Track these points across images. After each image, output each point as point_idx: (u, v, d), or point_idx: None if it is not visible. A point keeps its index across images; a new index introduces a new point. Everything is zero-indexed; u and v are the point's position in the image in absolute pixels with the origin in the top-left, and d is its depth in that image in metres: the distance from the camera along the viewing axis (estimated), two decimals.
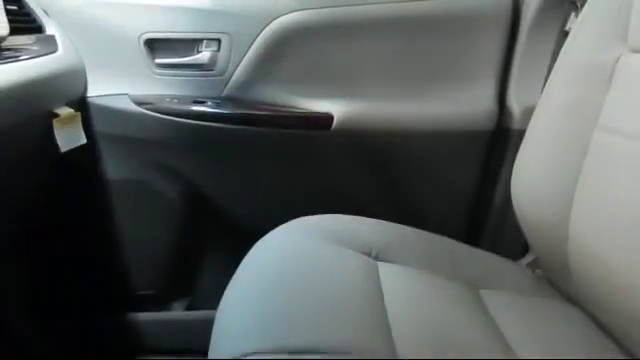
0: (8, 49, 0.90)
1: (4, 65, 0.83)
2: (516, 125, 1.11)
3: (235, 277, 0.84)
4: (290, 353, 0.61)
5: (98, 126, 1.11)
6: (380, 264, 0.90)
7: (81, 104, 1.08)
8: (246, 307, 0.73)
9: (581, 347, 0.78)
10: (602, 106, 0.83)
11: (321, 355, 0.60)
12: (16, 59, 0.88)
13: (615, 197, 0.75)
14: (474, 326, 0.79)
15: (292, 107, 1.14)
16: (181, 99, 1.13)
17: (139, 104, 1.11)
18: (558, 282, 0.94)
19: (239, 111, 1.13)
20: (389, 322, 0.72)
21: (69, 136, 1.01)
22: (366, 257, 0.90)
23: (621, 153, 0.76)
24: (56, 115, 0.97)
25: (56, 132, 0.97)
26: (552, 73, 0.95)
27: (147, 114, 1.10)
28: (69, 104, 1.03)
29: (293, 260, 0.85)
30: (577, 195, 0.83)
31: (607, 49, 0.83)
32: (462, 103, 1.14)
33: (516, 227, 0.98)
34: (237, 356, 0.61)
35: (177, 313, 1.30)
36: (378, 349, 0.65)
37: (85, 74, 1.10)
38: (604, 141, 0.81)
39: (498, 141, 1.15)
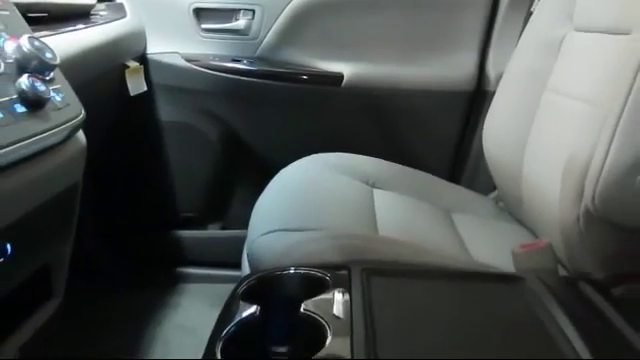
0: (93, 14, 1.16)
1: (94, 28, 1.08)
2: (492, 87, 1.31)
3: (263, 193, 1.10)
4: (300, 230, 0.87)
5: (155, 78, 1.35)
6: (375, 190, 1.14)
7: (142, 59, 1.33)
8: (272, 207, 1.00)
9: None
10: (551, 72, 1.05)
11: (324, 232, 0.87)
12: (99, 23, 1.13)
13: (554, 142, 0.98)
14: (442, 234, 1.04)
15: (310, 67, 1.37)
16: (222, 58, 1.36)
17: (188, 60, 1.35)
18: (514, 211, 1.17)
19: (268, 69, 1.36)
20: (377, 224, 0.98)
21: (135, 84, 1.26)
22: (364, 184, 1.15)
23: (561, 109, 0.99)
24: (127, 67, 1.23)
25: (127, 80, 1.23)
26: (517, 46, 1.18)
27: (194, 69, 1.34)
28: (134, 59, 1.28)
29: (307, 183, 1.11)
30: (529, 143, 1.06)
31: (557, 28, 1.06)
32: (449, 68, 1.36)
33: (488, 169, 1.21)
34: (266, 231, 0.88)
35: (213, 232, 1.53)
36: (367, 231, 0.92)
37: (145, 35, 1.34)
38: (551, 99, 1.04)
39: (477, 99, 1.36)
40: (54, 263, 0.72)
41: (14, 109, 0.56)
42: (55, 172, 0.63)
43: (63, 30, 0.91)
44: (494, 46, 1.35)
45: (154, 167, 1.46)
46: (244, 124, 1.42)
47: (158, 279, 1.50)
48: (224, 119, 1.41)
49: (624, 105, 0.74)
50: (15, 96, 0.57)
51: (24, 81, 0.58)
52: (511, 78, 1.17)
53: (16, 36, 0.63)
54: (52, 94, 0.62)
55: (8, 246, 0.56)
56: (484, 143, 1.21)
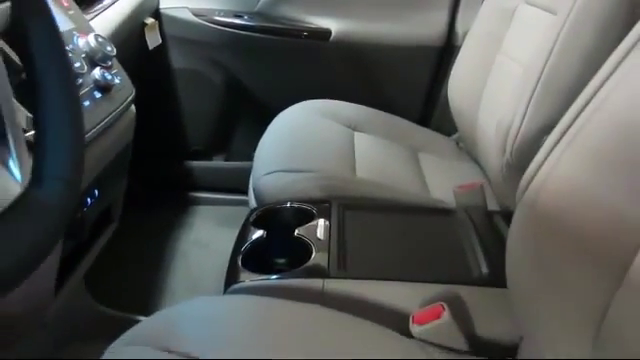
0: None
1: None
2: (460, 43, 1.48)
3: (263, 137, 1.32)
4: (294, 172, 1.12)
5: (168, 31, 1.53)
6: (355, 133, 1.36)
7: (156, 14, 1.50)
8: (271, 149, 1.24)
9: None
10: (504, 38, 1.23)
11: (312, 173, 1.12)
12: None
13: (498, 99, 1.18)
14: (407, 173, 1.27)
15: (303, 22, 1.54)
16: (226, 13, 1.54)
17: (196, 15, 1.52)
18: (470, 151, 1.41)
19: (265, 24, 1.53)
20: (355, 164, 1.22)
21: (152, 38, 1.45)
22: (346, 128, 1.37)
23: (509, 70, 1.18)
24: (145, 24, 1.42)
25: (146, 35, 1.42)
26: (480, 10, 1.37)
27: (201, 23, 1.51)
28: (150, 15, 1.46)
29: (299, 127, 1.33)
30: (483, 95, 1.26)
31: None
32: (423, 25, 1.54)
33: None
34: (267, 172, 1.12)
35: (218, 162, 1.75)
36: (346, 172, 1.17)
37: None
38: (502, 61, 1.23)
39: (446, 54, 1.55)
40: (114, 199, 0.98)
41: (94, 96, 0.79)
42: (118, 137, 0.87)
43: (99, 9, 1.10)
44: (462, 6, 1.53)
45: (168, 108, 1.66)
46: (244, 72, 1.60)
47: (173, 202, 1.73)
48: (227, 67, 1.59)
49: (539, 76, 0.92)
50: (92, 85, 0.80)
51: (97, 72, 0.81)
52: (474, 37, 1.36)
53: (84, 33, 0.85)
54: (115, 79, 0.85)
55: (96, 191, 0.81)
56: (449, 92, 1.41)
